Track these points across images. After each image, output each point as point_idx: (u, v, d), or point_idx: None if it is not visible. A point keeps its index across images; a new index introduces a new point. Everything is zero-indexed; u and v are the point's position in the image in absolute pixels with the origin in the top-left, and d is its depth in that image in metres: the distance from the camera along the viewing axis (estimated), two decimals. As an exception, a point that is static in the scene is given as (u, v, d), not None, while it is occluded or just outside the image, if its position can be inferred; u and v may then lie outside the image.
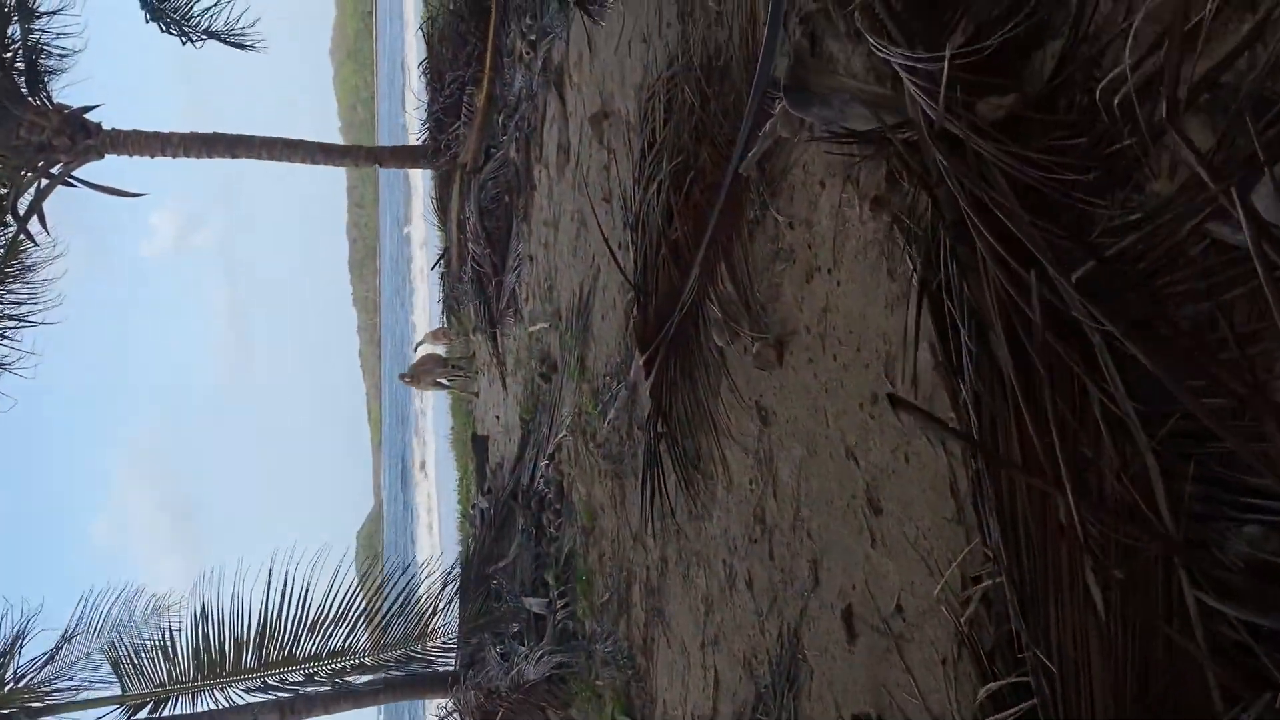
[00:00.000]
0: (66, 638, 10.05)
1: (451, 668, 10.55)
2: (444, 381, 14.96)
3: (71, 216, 13.19)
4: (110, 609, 10.19)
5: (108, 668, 9.94)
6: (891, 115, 3.21)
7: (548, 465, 8.99)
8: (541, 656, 8.07)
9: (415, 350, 15.44)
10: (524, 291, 10.73)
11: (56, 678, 9.98)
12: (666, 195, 5.49)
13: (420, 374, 14.86)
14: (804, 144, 4.03)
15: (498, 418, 12.50)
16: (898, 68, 3.01)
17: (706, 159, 5.11)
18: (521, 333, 10.87)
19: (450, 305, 14.27)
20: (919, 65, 2.89)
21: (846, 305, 3.69)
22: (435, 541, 32.58)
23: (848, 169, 3.66)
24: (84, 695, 9.83)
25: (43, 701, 9.82)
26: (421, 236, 36.75)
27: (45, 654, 9.91)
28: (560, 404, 8.69)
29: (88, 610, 10.04)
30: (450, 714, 9.80)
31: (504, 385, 11.98)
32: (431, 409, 28.96)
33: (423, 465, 33.00)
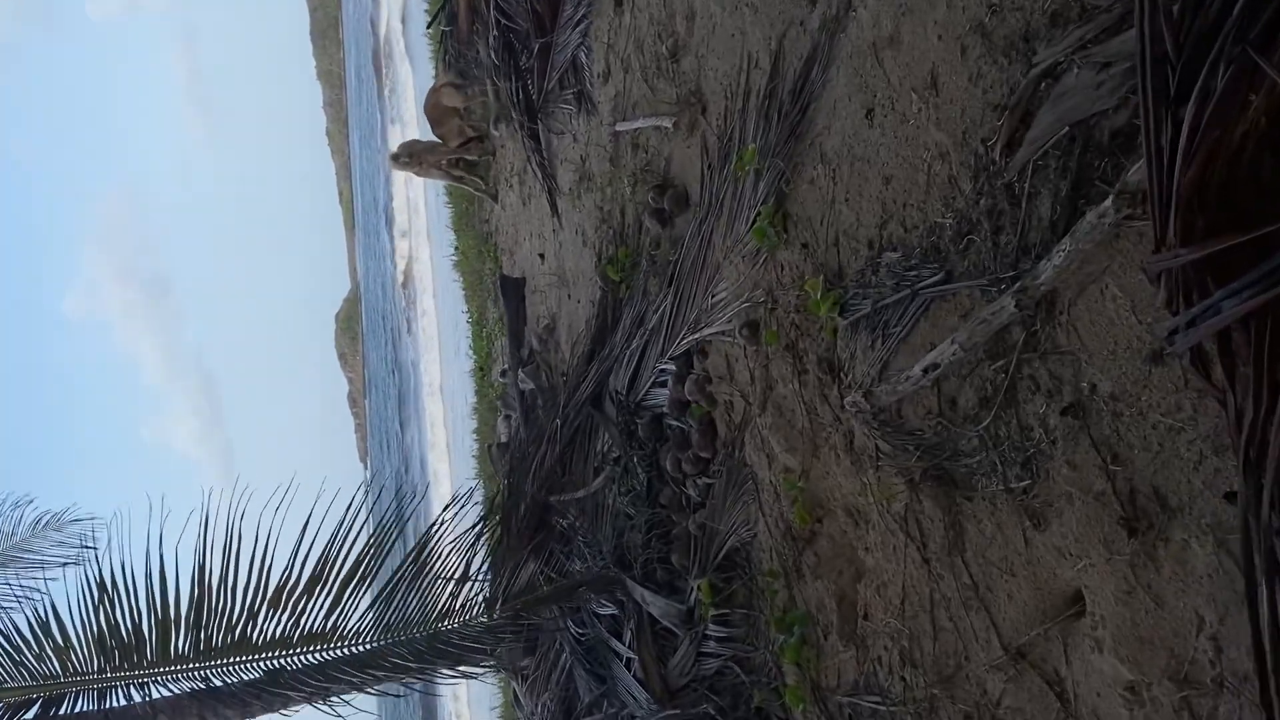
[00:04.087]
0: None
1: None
2: (453, 170, 10.52)
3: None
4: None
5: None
6: None
7: (678, 381, 5.08)
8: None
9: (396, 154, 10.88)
10: (599, 61, 6.43)
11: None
12: None
13: (421, 155, 10.37)
14: None
15: (541, 256, 8.45)
16: None
17: None
18: (594, 130, 6.68)
19: (457, 72, 9.77)
20: None
21: None
22: (435, 359, 28.17)
23: None
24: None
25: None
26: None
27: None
28: (710, 275, 4.69)
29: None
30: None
31: (555, 210, 7.87)
32: (423, 203, 23.82)
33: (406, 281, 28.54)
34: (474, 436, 12.28)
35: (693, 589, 4.90)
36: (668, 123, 5.18)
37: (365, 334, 43.15)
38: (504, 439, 9.80)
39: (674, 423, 5.26)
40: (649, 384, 5.59)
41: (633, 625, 5.61)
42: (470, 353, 12.69)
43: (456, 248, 13.18)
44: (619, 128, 6.03)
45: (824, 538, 3.84)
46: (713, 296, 4.73)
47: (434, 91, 9.81)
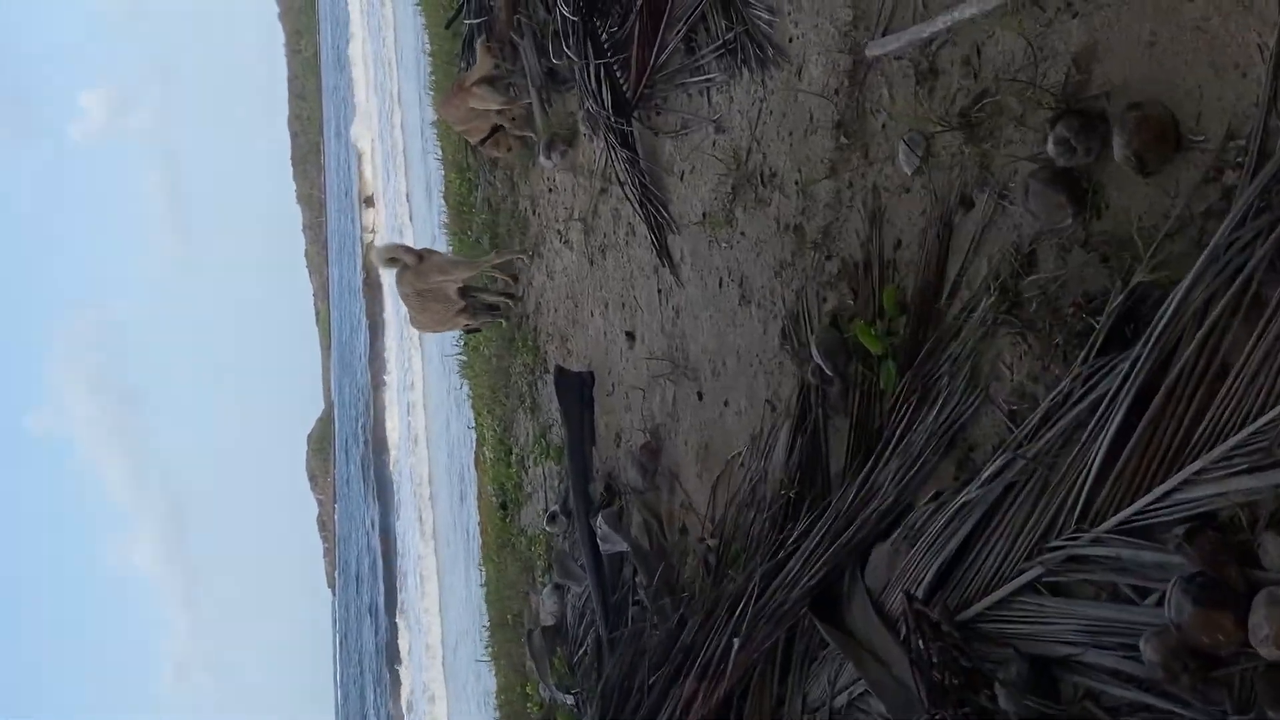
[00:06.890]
0: None
1: None
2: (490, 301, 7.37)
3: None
4: None
5: None
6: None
7: (1212, 605, 1.89)
8: None
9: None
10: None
11: None
12: None
13: (421, 253, 7.20)
14: None
15: (630, 335, 5.30)
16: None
17: None
18: (779, 91, 3.64)
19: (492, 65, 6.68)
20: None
21: None
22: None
23: None
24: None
25: None
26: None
27: None
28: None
29: None
30: None
31: (665, 258, 4.77)
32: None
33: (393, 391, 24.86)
34: (483, 613, 8.84)
35: None
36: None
37: (336, 450, 39.35)
38: (550, 619, 6.44)
39: (1152, 700, 2.04)
40: (1021, 582, 2.39)
41: None
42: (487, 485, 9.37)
43: (465, 343, 10.01)
44: (877, 50, 2.99)
45: None
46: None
47: (462, 91, 6.70)
